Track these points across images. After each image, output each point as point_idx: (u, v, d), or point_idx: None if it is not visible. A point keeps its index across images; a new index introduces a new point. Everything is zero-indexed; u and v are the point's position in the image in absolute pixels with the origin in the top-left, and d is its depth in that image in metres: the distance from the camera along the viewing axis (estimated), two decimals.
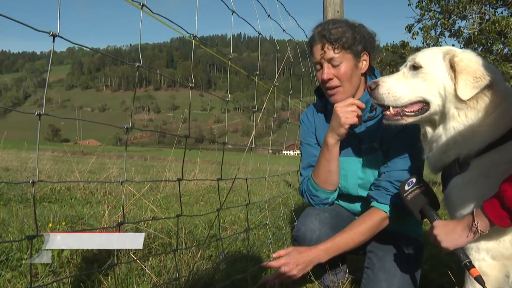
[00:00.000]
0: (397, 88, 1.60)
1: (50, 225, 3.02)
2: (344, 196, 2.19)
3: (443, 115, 1.55)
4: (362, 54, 1.97)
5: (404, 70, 1.63)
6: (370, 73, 2.09)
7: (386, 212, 1.91)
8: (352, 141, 2.07)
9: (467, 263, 1.46)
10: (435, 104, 1.55)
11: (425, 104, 1.58)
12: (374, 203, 1.94)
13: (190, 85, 1.73)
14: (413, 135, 1.91)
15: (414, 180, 1.72)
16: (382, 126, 1.95)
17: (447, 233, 1.46)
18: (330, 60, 1.93)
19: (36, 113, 1.02)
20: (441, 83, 1.53)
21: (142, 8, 1.41)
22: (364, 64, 1.99)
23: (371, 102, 1.94)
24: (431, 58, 1.57)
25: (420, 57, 1.59)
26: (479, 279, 1.43)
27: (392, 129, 1.91)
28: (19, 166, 8.03)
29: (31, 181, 1.09)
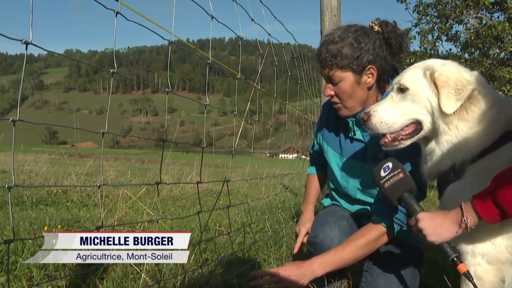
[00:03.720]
0: (388, 115, 1.60)
1: (45, 228, 3.01)
2: (345, 195, 2.19)
3: (434, 131, 1.56)
4: (367, 68, 1.85)
5: (392, 94, 1.63)
6: (390, 78, 1.96)
7: (385, 227, 1.86)
8: (359, 146, 2.05)
9: (454, 258, 1.44)
10: (427, 122, 1.56)
11: (418, 124, 1.59)
12: (374, 217, 1.90)
13: (167, 90, 1.74)
14: (417, 146, 1.89)
15: (390, 165, 1.62)
16: None
17: (435, 227, 1.43)
18: (329, 78, 1.89)
19: (11, 119, 1.02)
20: (427, 101, 1.54)
21: (116, 15, 1.41)
22: (370, 79, 1.88)
23: None
24: (414, 78, 1.57)
25: (405, 79, 1.59)
26: (467, 275, 1.41)
27: None
28: (15, 169, 8.00)
29: (6, 185, 1.08)
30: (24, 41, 1.01)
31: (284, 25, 3.16)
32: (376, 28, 1.88)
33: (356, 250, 1.84)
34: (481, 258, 1.46)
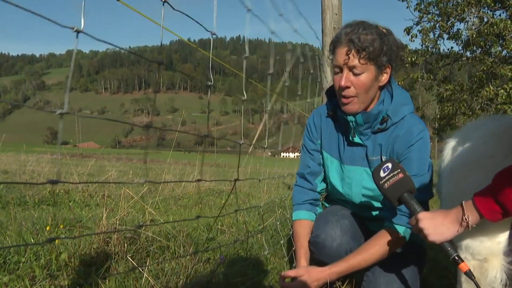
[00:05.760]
0: None
1: (48, 228, 3.01)
2: (348, 203, 2.17)
3: None
4: (385, 67, 1.86)
5: None
6: (387, 83, 1.97)
7: (401, 233, 1.87)
8: (360, 151, 2.02)
9: (456, 257, 1.44)
10: None
11: None
12: (388, 224, 1.91)
13: (209, 83, 1.63)
14: (425, 149, 1.89)
15: (389, 165, 1.62)
16: (391, 139, 1.93)
17: (435, 227, 1.43)
18: (352, 68, 1.82)
19: (58, 111, 1.01)
20: None
21: (164, 4, 1.31)
22: (384, 77, 1.89)
23: (383, 113, 1.92)
24: None
25: None
26: (469, 274, 1.42)
27: (402, 143, 1.90)
28: (17, 169, 8.02)
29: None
30: (75, 29, 0.98)
31: (308, 21, 3.10)
32: (384, 31, 1.87)
33: (372, 258, 1.87)
34: (467, 251, 1.48)
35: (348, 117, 1.95)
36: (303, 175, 2.21)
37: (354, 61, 1.80)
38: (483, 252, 1.45)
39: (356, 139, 2.00)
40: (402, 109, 1.94)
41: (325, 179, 2.21)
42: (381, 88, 1.95)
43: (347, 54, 1.81)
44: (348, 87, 1.85)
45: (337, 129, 2.10)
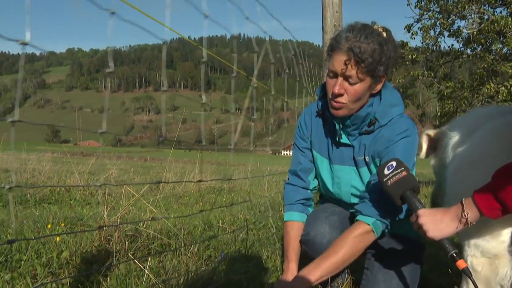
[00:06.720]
0: None
1: (49, 226, 3.02)
2: (339, 201, 2.17)
3: None
4: (381, 77, 1.82)
5: None
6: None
7: (369, 225, 1.81)
8: (348, 151, 2.02)
9: (454, 254, 1.44)
10: None
11: None
12: (358, 217, 1.87)
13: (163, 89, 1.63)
14: (408, 147, 1.87)
15: (394, 163, 1.63)
16: (375, 141, 1.93)
17: (435, 223, 1.43)
18: (348, 77, 1.78)
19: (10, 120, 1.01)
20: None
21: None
22: (378, 86, 1.86)
23: (371, 116, 1.91)
24: None
25: None
26: (466, 271, 1.42)
27: (383, 143, 1.89)
28: (18, 167, 8.03)
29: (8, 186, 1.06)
30: (21, 42, 0.99)
31: (282, 22, 3.13)
32: (384, 35, 1.81)
33: (343, 252, 1.80)
34: (476, 250, 1.49)
35: (334, 120, 1.94)
36: (295, 172, 2.19)
37: (352, 71, 1.75)
38: (492, 250, 1.46)
39: (344, 139, 1.99)
40: (392, 110, 1.92)
41: (317, 177, 2.21)
42: (372, 94, 1.92)
43: (346, 64, 1.75)
44: (341, 95, 1.82)
45: (325, 129, 2.09)
